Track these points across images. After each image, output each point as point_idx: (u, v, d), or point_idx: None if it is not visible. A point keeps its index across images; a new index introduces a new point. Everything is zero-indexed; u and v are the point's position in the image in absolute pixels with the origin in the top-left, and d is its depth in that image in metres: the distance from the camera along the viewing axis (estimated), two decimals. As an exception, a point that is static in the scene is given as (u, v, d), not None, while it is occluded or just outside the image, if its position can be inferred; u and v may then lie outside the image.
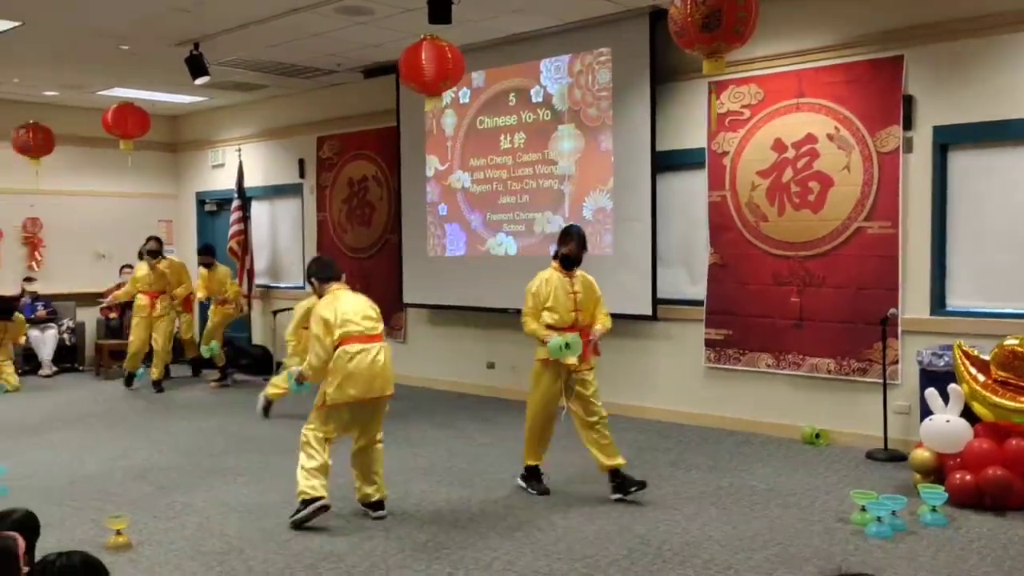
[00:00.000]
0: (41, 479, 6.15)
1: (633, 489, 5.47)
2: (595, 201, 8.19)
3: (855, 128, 6.76)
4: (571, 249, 5.62)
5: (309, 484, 5.06)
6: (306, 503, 5.05)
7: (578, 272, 5.66)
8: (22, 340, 10.54)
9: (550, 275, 5.61)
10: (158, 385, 9.87)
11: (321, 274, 5.52)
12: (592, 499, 5.55)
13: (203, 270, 10.41)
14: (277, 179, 11.63)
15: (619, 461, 5.55)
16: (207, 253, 10.53)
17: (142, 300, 10.05)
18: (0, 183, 11.32)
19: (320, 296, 5.45)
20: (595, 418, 5.54)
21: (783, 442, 6.97)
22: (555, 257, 5.68)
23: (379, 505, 5.32)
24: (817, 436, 6.87)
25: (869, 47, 6.74)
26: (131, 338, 10.09)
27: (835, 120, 6.86)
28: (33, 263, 11.68)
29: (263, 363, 10.82)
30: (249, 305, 11.04)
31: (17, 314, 10.43)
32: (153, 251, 10.22)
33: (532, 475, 5.76)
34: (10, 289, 10.91)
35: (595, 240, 8.17)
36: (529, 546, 4.74)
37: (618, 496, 5.48)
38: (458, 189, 9.27)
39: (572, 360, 5.47)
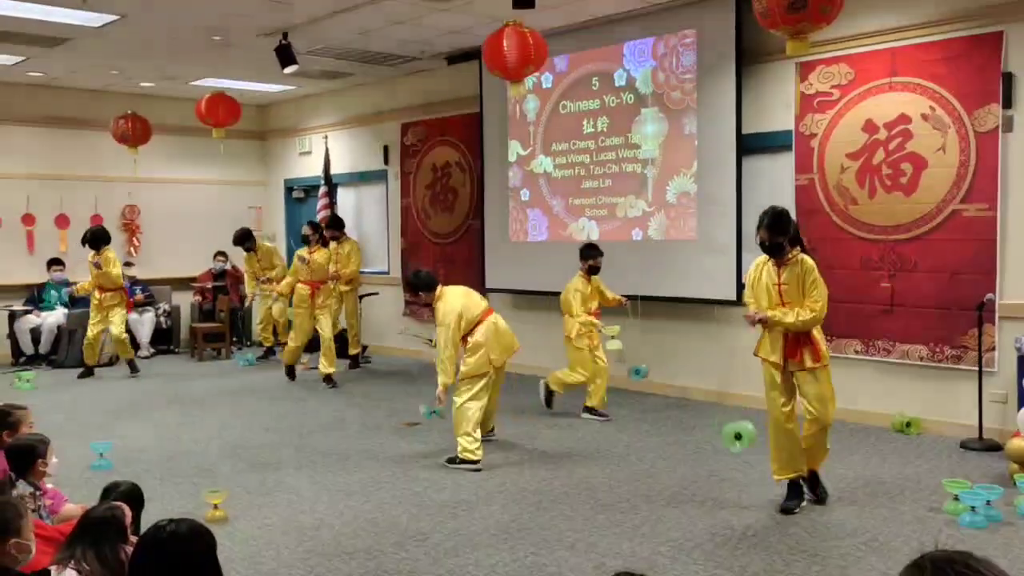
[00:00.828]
0: (142, 455, 6.43)
1: (794, 509, 5.03)
2: (679, 185, 8.11)
3: (951, 107, 6.54)
4: (763, 236, 4.86)
5: (471, 449, 6.00)
6: (462, 461, 6.00)
7: (796, 258, 4.88)
8: (115, 272, 9.89)
9: (761, 261, 5.03)
10: (330, 380, 9.25)
11: (428, 286, 6.25)
12: (677, 483, 5.54)
13: (332, 244, 10.35)
14: (362, 166, 11.85)
15: (789, 475, 5.06)
16: (336, 227, 10.48)
17: (303, 290, 9.50)
18: (101, 171, 11.84)
19: (432, 303, 6.18)
20: (801, 418, 5.05)
21: (871, 430, 6.82)
22: None
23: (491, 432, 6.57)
24: (908, 424, 6.70)
25: (966, 23, 6.50)
26: (293, 331, 9.53)
27: (930, 99, 6.64)
28: (131, 249, 12.17)
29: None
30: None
31: (108, 252, 9.93)
32: (305, 237, 9.98)
33: (793, 492, 5.00)
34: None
35: (678, 224, 8.12)
36: (613, 528, 4.76)
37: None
38: (540, 174, 9.28)
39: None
